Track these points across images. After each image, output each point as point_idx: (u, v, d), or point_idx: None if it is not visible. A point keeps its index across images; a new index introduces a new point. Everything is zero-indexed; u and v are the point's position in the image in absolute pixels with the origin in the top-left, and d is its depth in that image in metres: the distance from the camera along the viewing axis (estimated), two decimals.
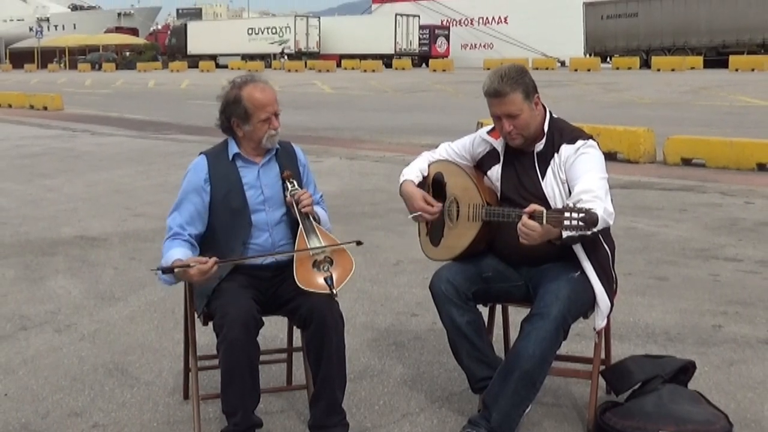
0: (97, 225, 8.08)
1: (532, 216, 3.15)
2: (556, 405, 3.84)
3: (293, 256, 3.40)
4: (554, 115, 3.56)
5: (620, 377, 3.65)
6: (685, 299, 5.41)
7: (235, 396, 3.29)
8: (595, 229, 3.15)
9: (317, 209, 3.59)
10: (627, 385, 3.62)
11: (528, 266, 3.55)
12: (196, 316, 3.56)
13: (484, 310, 3.74)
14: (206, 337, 3.86)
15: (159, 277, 3.43)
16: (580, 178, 3.36)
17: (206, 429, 3.59)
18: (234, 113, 3.50)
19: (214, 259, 3.29)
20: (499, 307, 3.96)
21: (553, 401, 3.87)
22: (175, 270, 3.28)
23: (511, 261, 3.59)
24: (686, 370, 3.68)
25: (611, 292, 3.49)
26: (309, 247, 3.37)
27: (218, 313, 3.29)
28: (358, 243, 3.52)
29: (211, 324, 3.37)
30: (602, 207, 3.20)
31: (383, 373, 4.25)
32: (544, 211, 3.14)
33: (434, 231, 3.74)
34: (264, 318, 3.39)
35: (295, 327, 3.84)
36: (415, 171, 3.78)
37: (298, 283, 3.30)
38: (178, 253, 3.38)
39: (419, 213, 3.68)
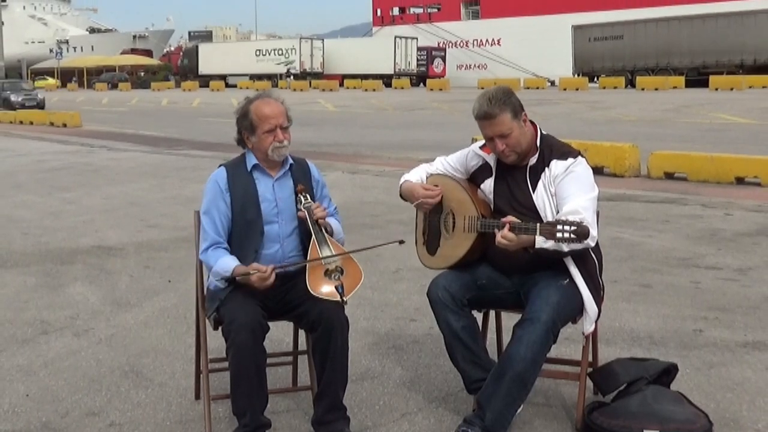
0: (113, 235, 8.09)
1: (511, 228, 3.23)
2: (547, 405, 3.84)
3: (305, 264, 3.43)
4: (544, 132, 3.59)
5: (607, 379, 3.66)
6: (668, 305, 5.41)
7: (244, 398, 3.30)
8: (581, 245, 3.19)
9: (331, 220, 3.60)
10: (613, 386, 3.63)
11: (520, 274, 3.55)
12: (207, 321, 3.58)
13: (478, 316, 3.75)
14: (217, 340, 3.85)
15: (211, 284, 3.51)
16: (567, 198, 3.38)
17: (216, 428, 3.59)
18: (243, 126, 3.54)
19: (272, 266, 3.34)
20: (492, 313, 3.97)
21: (543, 401, 3.87)
22: (238, 278, 3.36)
23: (504, 269, 3.59)
24: (669, 372, 3.69)
25: (598, 299, 3.50)
26: (321, 256, 3.39)
27: (227, 319, 3.31)
28: (401, 242, 3.61)
29: (221, 329, 3.38)
30: None
31: (383, 375, 4.26)
32: (538, 224, 3.18)
33: (431, 241, 3.75)
34: (271, 323, 3.41)
35: (299, 331, 3.86)
36: (415, 177, 3.80)
37: (310, 289, 3.31)
38: (231, 260, 3.43)
39: (422, 200, 3.69)
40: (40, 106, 36.59)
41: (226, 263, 3.41)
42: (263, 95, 3.59)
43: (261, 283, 3.32)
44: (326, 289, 3.31)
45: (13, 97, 36.93)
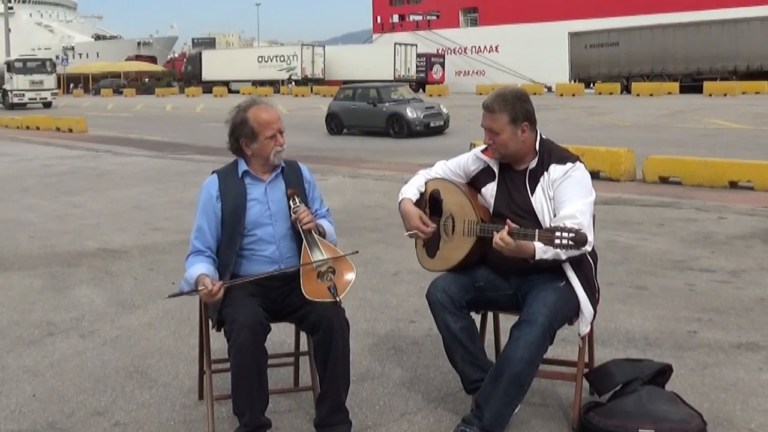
0: (118, 238, 8.09)
1: (510, 233, 3.22)
2: (543, 405, 3.85)
3: (299, 268, 3.42)
4: (543, 137, 3.60)
5: (603, 379, 3.66)
6: (663, 307, 5.42)
7: (244, 397, 3.30)
8: (578, 251, 3.20)
9: (324, 222, 3.61)
10: (609, 386, 3.63)
11: (517, 277, 3.56)
12: (209, 322, 3.58)
13: (476, 317, 3.75)
14: (220, 341, 3.86)
15: (181, 287, 3.52)
16: (565, 203, 3.38)
17: (219, 427, 3.60)
18: (242, 134, 3.54)
19: (220, 283, 3.35)
20: (490, 314, 3.97)
21: (540, 401, 3.88)
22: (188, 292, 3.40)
23: (502, 272, 3.60)
24: (664, 372, 3.69)
25: (594, 301, 3.51)
26: (312, 260, 3.39)
27: (229, 320, 3.32)
28: (354, 252, 3.58)
29: (223, 330, 3.39)
30: None
31: (383, 376, 4.26)
32: (537, 230, 3.18)
33: (430, 244, 3.75)
34: (273, 324, 3.42)
35: (301, 332, 3.86)
36: (413, 190, 3.78)
37: (305, 294, 3.33)
38: (200, 268, 3.44)
39: (415, 231, 3.71)
40: (445, 124, 22.50)
41: (192, 273, 3.44)
42: (256, 102, 3.60)
43: (208, 300, 3.34)
44: (320, 292, 3.33)
45: (409, 113, 21.78)
